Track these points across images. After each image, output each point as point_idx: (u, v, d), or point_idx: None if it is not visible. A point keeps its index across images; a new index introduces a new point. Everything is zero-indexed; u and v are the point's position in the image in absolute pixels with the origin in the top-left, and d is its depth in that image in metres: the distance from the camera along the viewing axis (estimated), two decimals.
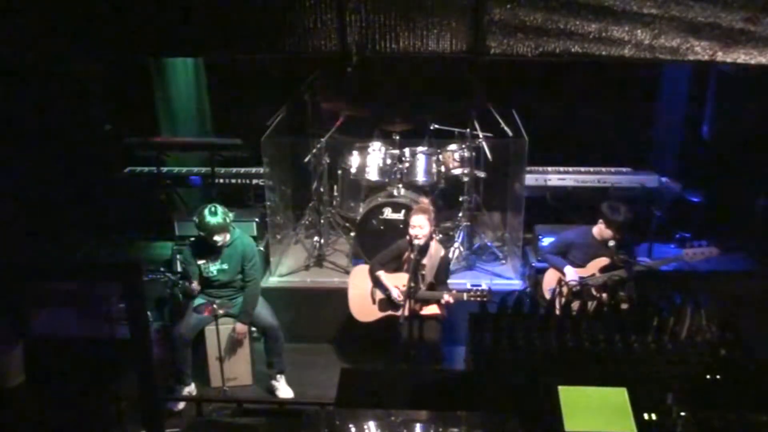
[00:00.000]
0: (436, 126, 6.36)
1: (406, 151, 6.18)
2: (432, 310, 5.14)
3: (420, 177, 6.18)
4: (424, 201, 5.90)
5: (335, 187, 6.59)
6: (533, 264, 5.94)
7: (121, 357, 2.62)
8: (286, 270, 6.28)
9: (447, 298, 4.89)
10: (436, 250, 5.14)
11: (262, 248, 6.09)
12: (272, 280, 6.14)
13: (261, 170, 6.39)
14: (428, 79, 6.68)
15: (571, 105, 7.06)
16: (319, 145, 6.23)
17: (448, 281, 5.29)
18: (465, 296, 4.83)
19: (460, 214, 6.33)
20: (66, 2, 2.60)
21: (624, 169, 6.59)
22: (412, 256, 4.97)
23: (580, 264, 5.18)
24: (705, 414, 2.45)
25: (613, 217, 5.01)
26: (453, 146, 6.21)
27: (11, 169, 6.32)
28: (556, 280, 5.11)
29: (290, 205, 6.94)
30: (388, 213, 5.98)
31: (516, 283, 6.01)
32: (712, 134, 5.51)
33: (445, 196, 6.48)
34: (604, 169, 6.56)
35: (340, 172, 6.48)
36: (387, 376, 3.33)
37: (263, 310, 5.32)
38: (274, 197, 6.35)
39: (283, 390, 5.35)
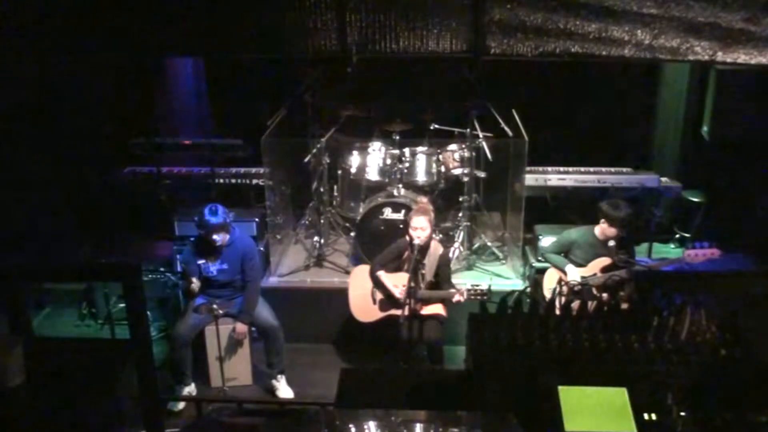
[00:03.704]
0: (436, 126, 6.37)
1: (406, 151, 6.18)
2: (432, 309, 5.15)
3: (420, 177, 6.19)
4: (423, 200, 5.90)
5: (335, 187, 6.59)
6: (533, 264, 5.95)
7: (121, 357, 2.61)
8: (286, 270, 6.28)
9: (458, 297, 4.90)
10: (434, 248, 5.15)
11: (262, 248, 6.09)
12: (272, 280, 6.14)
13: (261, 170, 6.39)
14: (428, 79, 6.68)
15: (571, 105, 7.06)
16: (319, 145, 6.23)
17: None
18: (465, 294, 4.86)
19: (460, 214, 6.33)
20: (66, 2, 2.60)
21: (624, 169, 6.58)
22: (412, 255, 4.97)
23: (581, 264, 5.19)
24: (705, 414, 2.44)
25: (616, 213, 5.01)
26: (453, 146, 6.22)
27: (11, 170, 6.32)
28: (557, 279, 5.12)
29: (290, 205, 6.94)
30: (388, 213, 5.98)
31: (516, 283, 6.01)
32: (712, 134, 5.50)
33: (445, 196, 6.48)
34: (604, 169, 6.56)
35: (340, 172, 6.48)
36: (387, 376, 3.32)
37: (263, 310, 5.32)
38: (274, 197, 6.35)
39: (283, 390, 5.35)
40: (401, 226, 5.72)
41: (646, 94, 7.00)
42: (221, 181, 6.73)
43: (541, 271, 5.59)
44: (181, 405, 5.21)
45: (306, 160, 6.30)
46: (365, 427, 2.51)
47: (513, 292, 3.41)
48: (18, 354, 2.43)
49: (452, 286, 5.12)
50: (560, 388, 2.51)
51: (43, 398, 2.43)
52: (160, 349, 5.59)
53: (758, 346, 2.74)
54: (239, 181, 6.77)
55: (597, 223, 5.17)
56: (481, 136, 6.01)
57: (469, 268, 6.24)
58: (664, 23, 2.38)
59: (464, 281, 5.47)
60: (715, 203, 6.48)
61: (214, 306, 4.88)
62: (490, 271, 6.22)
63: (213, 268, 5.19)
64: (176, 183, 6.72)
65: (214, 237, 5.06)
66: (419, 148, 6.21)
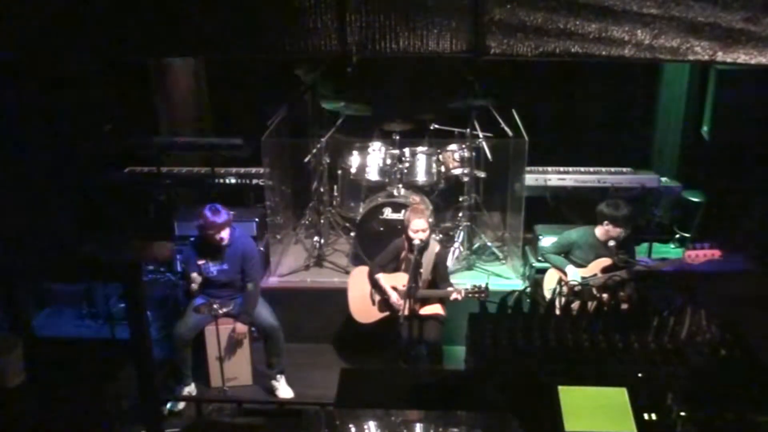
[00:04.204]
0: (436, 126, 6.37)
1: (406, 151, 6.18)
2: (432, 309, 5.15)
3: (420, 177, 6.19)
4: (416, 199, 5.90)
5: (335, 187, 6.59)
6: (533, 264, 5.95)
7: (121, 357, 2.62)
8: (286, 270, 6.28)
9: (456, 295, 4.90)
10: (431, 247, 5.15)
11: (262, 248, 6.09)
12: (272, 280, 6.14)
13: (261, 170, 6.39)
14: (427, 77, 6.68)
15: (571, 105, 7.06)
16: (319, 145, 6.23)
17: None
18: (464, 293, 4.86)
19: (460, 214, 6.33)
20: (65, 2, 2.59)
21: (624, 169, 6.58)
22: (410, 256, 4.97)
23: (581, 264, 5.19)
24: (705, 414, 2.45)
25: (618, 213, 5.01)
26: (453, 146, 6.21)
27: (11, 169, 6.31)
28: (557, 280, 5.12)
29: (290, 205, 6.94)
30: (388, 213, 5.98)
31: (516, 283, 6.01)
32: (712, 134, 5.50)
33: (445, 196, 6.48)
34: (604, 169, 6.56)
35: (340, 172, 6.48)
36: (387, 376, 3.32)
37: (263, 310, 5.32)
38: (274, 197, 6.35)
39: (283, 390, 5.35)
40: (401, 226, 5.73)
41: (646, 94, 7.00)
42: (221, 181, 6.73)
43: (541, 271, 5.59)
44: (181, 405, 5.21)
45: (306, 160, 6.30)
46: (365, 427, 2.51)
47: (513, 292, 3.42)
48: (18, 354, 2.43)
49: (450, 283, 5.12)
50: (560, 388, 2.51)
51: (43, 398, 2.43)
52: (160, 349, 5.58)
53: (758, 346, 2.74)
54: (239, 181, 6.77)
55: (597, 223, 5.17)
56: (481, 136, 6.01)
57: (469, 268, 6.24)
58: (664, 23, 2.37)
59: (464, 281, 5.47)
60: (715, 203, 6.48)
61: (214, 306, 4.87)
62: (490, 271, 6.22)
63: (213, 268, 5.19)
64: (176, 183, 6.72)
65: (221, 236, 5.07)
66: (419, 148, 6.20)
